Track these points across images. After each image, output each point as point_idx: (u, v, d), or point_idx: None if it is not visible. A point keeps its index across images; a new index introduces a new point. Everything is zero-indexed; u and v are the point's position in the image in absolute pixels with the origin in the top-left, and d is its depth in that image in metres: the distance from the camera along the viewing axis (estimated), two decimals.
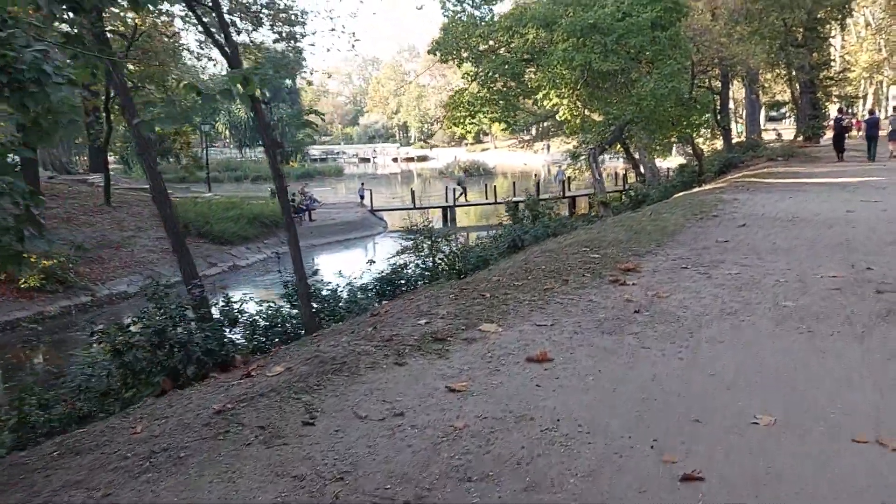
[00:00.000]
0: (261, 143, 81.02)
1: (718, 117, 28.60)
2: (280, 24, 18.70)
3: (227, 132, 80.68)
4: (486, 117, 19.25)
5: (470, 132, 20.07)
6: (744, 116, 41.71)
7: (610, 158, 43.77)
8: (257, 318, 8.35)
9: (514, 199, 38.24)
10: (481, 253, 14.15)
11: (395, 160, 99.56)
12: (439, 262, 14.60)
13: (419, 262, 14.57)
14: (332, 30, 52.32)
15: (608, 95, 17.47)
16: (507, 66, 17.46)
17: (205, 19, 13.36)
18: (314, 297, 9.22)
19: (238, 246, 26.18)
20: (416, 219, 31.34)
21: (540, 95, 17.78)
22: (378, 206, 37.70)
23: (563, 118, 18.40)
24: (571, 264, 7.18)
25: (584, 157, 19.24)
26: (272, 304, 8.96)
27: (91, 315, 18.99)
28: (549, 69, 16.34)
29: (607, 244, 8.36)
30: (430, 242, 14.60)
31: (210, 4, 9.41)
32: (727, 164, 24.44)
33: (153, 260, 22.98)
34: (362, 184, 42.02)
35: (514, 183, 38.21)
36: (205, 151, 53.11)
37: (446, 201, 36.28)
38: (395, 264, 14.60)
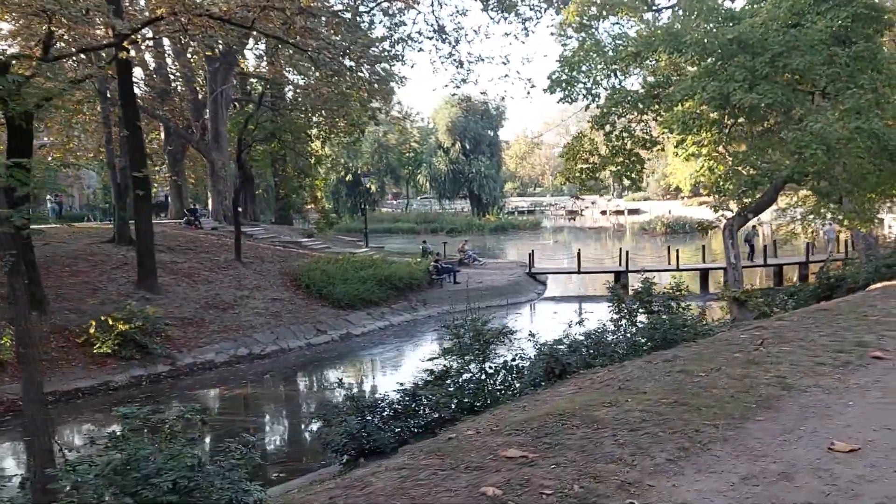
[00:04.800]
0: (459, 194, 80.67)
1: None
2: (365, 61, 15.97)
3: (428, 184, 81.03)
4: (613, 170, 14.89)
5: (588, 189, 15.63)
6: None
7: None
8: None
9: (703, 265, 32.56)
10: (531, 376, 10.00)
11: (603, 213, 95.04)
12: (491, 370, 10.70)
13: (465, 370, 10.76)
14: (506, 76, 49.44)
15: (758, 141, 12.39)
16: (628, 104, 13.12)
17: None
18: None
19: (358, 311, 23.65)
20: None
21: (672, 141, 13.19)
22: (543, 267, 33.75)
23: (700, 174, 13.61)
24: None
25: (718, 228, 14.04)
26: None
27: (158, 388, 17.18)
28: (674, 104, 11.78)
29: (589, 437, 4.13)
30: (478, 347, 10.72)
31: None
32: None
33: (256, 325, 21.04)
34: (424, 241, 37.86)
35: (703, 246, 32.31)
36: (365, 203, 52.33)
37: (619, 265, 31.37)
38: (427, 375, 10.89)
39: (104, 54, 20.09)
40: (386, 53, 19.98)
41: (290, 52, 25.55)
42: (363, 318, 23.42)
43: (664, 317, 11.43)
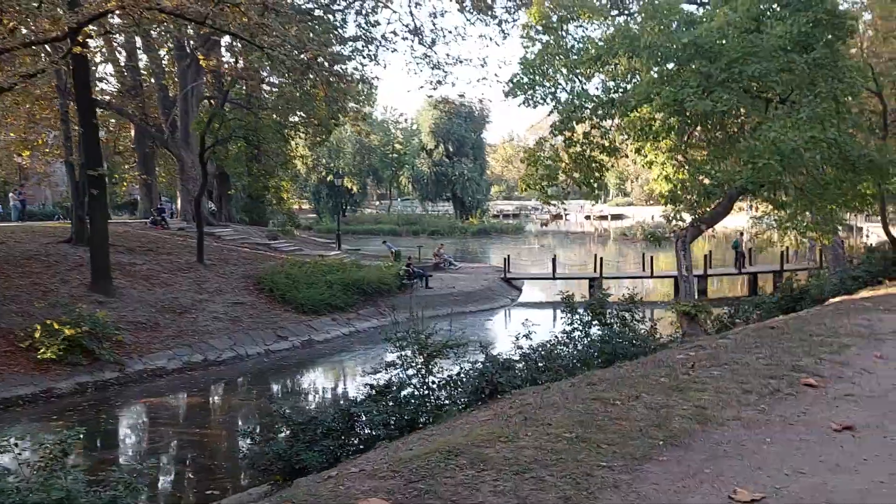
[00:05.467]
0: (443, 196, 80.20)
1: None
2: (322, 58, 15.39)
3: (411, 186, 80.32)
4: (576, 176, 14.42)
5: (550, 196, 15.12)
6: None
7: None
8: None
9: (677, 273, 32.23)
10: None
11: (587, 218, 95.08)
12: (434, 385, 10.21)
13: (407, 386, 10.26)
14: (484, 78, 48.95)
15: (715, 150, 11.99)
16: (588, 109, 12.68)
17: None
18: None
19: (323, 317, 23.08)
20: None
21: (630, 149, 12.79)
22: (519, 272, 33.35)
23: (657, 183, 13.23)
24: None
25: (667, 238, 13.64)
26: None
27: (104, 395, 16.54)
28: (630, 109, 11.36)
29: (467, 483, 3.66)
30: (421, 360, 10.24)
31: None
32: None
33: (213, 330, 20.43)
34: (384, 241, 39.30)
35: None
36: (340, 205, 51.76)
37: (594, 271, 31.01)
38: (369, 389, 10.38)
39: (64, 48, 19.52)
40: (356, 52, 19.46)
41: (245, 46, 25.00)
42: (328, 324, 22.86)
43: (616, 328, 11.05)
